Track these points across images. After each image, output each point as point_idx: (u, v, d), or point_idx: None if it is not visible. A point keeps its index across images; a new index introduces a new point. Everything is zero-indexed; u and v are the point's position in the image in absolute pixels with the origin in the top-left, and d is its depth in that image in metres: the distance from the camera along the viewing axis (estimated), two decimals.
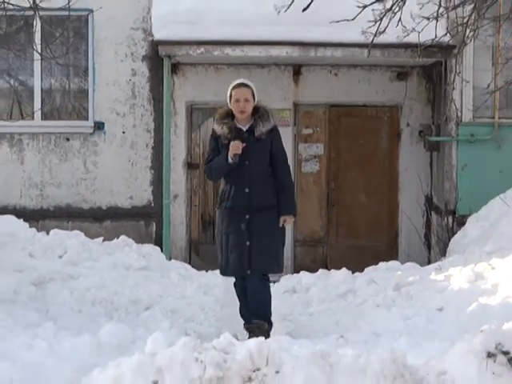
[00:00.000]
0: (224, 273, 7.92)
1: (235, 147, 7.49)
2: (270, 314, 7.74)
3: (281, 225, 7.73)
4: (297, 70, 12.70)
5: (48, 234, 10.57)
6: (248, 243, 7.61)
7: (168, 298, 9.10)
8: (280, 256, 7.89)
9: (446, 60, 11.72)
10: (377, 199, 12.83)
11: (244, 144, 7.51)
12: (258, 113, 7.74)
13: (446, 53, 11.29)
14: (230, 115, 7.77)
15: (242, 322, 7.75)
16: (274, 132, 7.79)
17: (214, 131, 7.85)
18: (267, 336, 7.03)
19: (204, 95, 12.53)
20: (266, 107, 7.84)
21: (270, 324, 7.64)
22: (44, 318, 7.59)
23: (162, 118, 11.96)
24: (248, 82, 7.91)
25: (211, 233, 12.76)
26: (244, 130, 7.70)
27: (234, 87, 7.79)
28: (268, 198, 7.70)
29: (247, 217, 7.63)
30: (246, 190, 7.65)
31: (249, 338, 6.86)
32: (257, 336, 5.87)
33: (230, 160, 7.55)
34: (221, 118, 7.81)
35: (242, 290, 7.83)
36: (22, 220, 10.71)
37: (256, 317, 7.59)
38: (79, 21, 12.33)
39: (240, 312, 7.86)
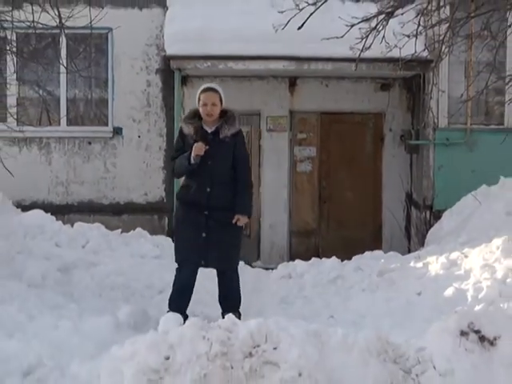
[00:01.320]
0: (179, 261, 7.47)
1: (198, 149, 7.08)
2: (240, 304, 7.50)
3: (234, 221, 7.26)
4: (292, 81, 12.69)
5: (72, 226, 10.57)
6: (204, 235, 7.22)
7: None
8: (237, 254, 7.52)
9: (424, 73, 11.71)
10: (363, 196, 12.81)
11: (207, 147, 7.11)
12: (225, 116, 7.35)
13: (425, 66, 11.27)
14: (197, 116, 7.37)
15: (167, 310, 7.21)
16: (238, 136, 7.40)
17: (181, 130, 7.46)
18: None
19: None
20: (233, 111, 7.47)
21: (239, 313, 7.29)
22: (69, 301, 7.60)
23: (173, 124, 11.94)
24: (216, 87, 7.50)
25: None
26: (209, 131, 7.31)
27: (202, 91, 7.40)
28: (228, 200, 7.26)
29: (206, 212, 7.22)
30: (208, 190, 7.25)
31: None
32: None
33: (192, 161, 7.13)
34: (188, 117, 7.44)
35: (188, 279, 7.39)
36: (49, 214, 10.70)
37: (228, 309, 7.12)
38: (100, 38, 12.31)
39: (169, 303, 7.39)
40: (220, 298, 7.58)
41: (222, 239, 7.25)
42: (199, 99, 7.37)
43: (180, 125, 7.58)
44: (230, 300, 7.48)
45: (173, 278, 8.55)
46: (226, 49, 11.43)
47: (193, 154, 7.11)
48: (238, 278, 7.58)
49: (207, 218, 7.23)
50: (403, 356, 4.77)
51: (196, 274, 7.42)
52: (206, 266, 7.40)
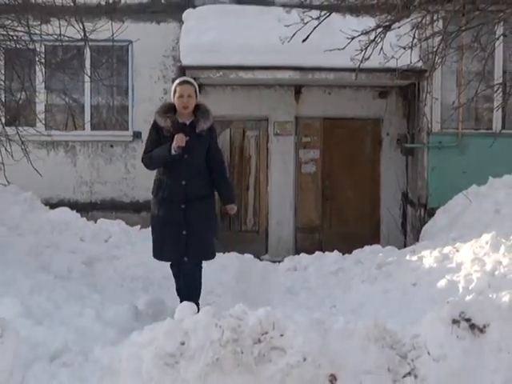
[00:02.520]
0: (159, 257, 7.09)
1: (180, 140, 6.63)
2: (199, 297, 7.01)
3: (232, 213, 7.20)
4: (297, 89, 12.68)
5: (96, 222, 10.59)
6: (185, 232, 6.82)
7: None
8: (213, 244, 7.18)
9: (419, 82, 11.69)
10: (362, 194, 12.80)
11: (188, 138, 6.69)
12: (200, 110, 6.95)
13: (419, 76, 11.25)
14: (172, 109, 6.92)
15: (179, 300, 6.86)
16: (212, 130, 7.04)
17: (155, 123, 6.94)
18: None
19: (222, 110, 12.50)
20: (206, 106, 7.08)
21: (198, 306, 6.70)
22: (92, 291, 7.61)
23: None
24: (191, 80, 7.07)
25: (228, 222, 12.74)
26: (187, 124, 6.90)
27: (179, 84, 6.91)
28: (202, 190, 6.92)
29: (183, 206, 6.81)
30: (183, 183, 6.83)
31: None
32: None
33: (173, 151, 6.69)
34: (164, 111, 6.92)
35: (178, 272, 7.06)
36: (74, 211, 10.73)
37: (187, 299, 6.43)
38: (121, 50, 12.33)
39: (177, 291, 7.12)
40: (181, 288, 7.10)
41: (201, 232, 6.91)
42: (175, 91, 6.91)
43: (154, 118, 7.02)
44: (190, 290, 6.97)
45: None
46: (236, 60, 11.43)
47: (174, 145, 6.69)
48: (201, 270, 7.17)
49: (185, 212, 6.84)
50: (399, 342, 4.76)
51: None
52: (189, 260, 6.96)
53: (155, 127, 6.96)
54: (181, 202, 6.85)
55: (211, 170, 7.06)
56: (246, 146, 12.78)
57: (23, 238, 8.74)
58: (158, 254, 7.07)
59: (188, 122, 6.92)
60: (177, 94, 6.89)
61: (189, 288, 6.96)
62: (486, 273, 7.08)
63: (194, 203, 6.85)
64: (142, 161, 7.21)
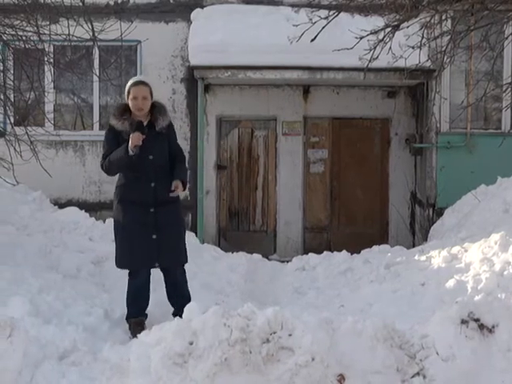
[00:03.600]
0: (125, 265, 6.61)
1: (136, 138, 6.22)
2: (190, 300, 6.41)
3: (172, 188, 6.38)
4: (306, 89, 12.66)
5: (104, 222, 10.59)
6: (155, 236, 6.40)
7: (201, 274, 9.08)
8: (185, 247, 6.71)
9: (427, 81, 11.66)
10: (371, 194, 12.77)
11: (144, 136, 6.27)
12: (156, 108, 6.53)
13: (428, 75, 11.23)
14: (127, 110, 6.49)
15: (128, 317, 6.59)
16: (170, 127, 6.64)
17: (112, 127, 6.54)
18: None
19: (230, 110, 12.52)
20: (161, 103, 6.68)
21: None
22: (101, 291, 7.63)
23: (197, 129, 11.94)
24: (145, 80, 6.60)
25: (236, 222, 12.75)
26: (144, 124, 6.44)
27: (132, 85, 6.46)
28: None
29: (152, 210, 6.41)
30: (152, 185, 6.42)
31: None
32: None
33: (130, 152, 6.26)
34: (119, 113, 6.51)
35: (144, 282, 6.60)
36: (83, 211, 10.72)
37: (183, 307, 5.50)
38: (130, 50, 12.33)
39: (129, 303, 6.62)
40: (171, 297, 6.72)
41: (171, 237, 6.52)
42: (129, 92, 6.48)
43: (110, 123, 6.62)
44: (183, 298, 6.51)
45: (196, 269, 8.32)
46: (244, 59, 11.42)
47: (131, 146, 6.27)
48: (186, 274, 6.81)
49: (154, 216, 6.43)
50: (408, 342, 4.76)
51: (150, 275, 6.68)
52: (160, 266, 6.63)
53: (112, 131, 6.58)
54: (150, 205, 6.46)
55: (172, 162, 6.67)
56: (255, 145, 12.78)
57: (32, 238, 8.76)
58: (125, 261, 6.61)
59: (145, 122, 6.51)
60: (131, 96, 6.47)
61: (183, 296, 6.61)
62: (495, 273, 7.06)
63: (164, 207, 6.47)
64: (102, 167, 6.75)
